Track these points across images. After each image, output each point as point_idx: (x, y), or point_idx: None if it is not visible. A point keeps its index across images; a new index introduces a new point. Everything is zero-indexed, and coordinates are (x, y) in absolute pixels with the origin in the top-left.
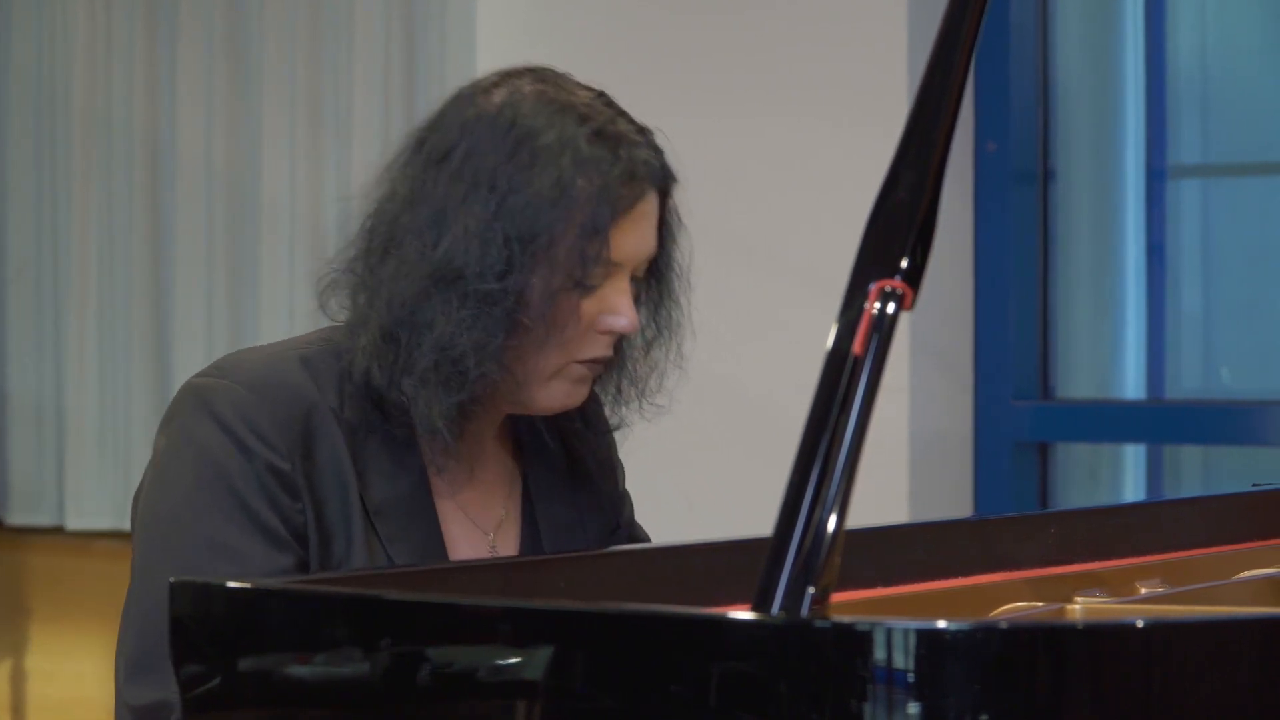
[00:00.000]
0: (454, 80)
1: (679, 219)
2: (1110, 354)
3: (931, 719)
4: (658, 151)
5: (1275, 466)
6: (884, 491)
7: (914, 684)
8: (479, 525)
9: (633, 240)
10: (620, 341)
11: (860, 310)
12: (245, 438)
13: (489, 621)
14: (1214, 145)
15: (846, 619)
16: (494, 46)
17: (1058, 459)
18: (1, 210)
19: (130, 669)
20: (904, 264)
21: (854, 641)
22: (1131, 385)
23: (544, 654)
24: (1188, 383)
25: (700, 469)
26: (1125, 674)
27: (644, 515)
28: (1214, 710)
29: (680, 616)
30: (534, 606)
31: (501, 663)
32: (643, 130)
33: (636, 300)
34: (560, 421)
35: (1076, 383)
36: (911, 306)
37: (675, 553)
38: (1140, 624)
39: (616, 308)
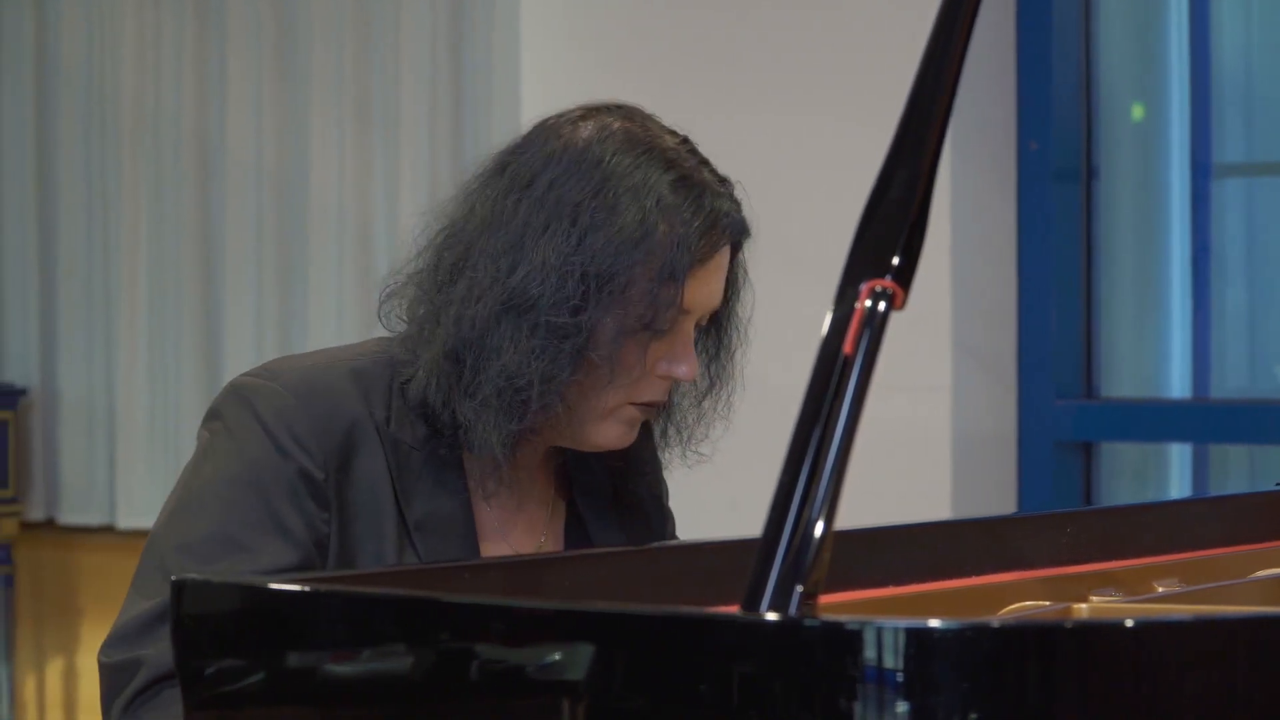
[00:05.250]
0: (499, 82)
1: (745, 273)
2: (1154, 353)
3: (921, 718)
4: (737, 204)
5: None
6: (927, 491)
7: (903, 683)
8: (517, 550)
9: (704, 291)
10: (673, 387)
11: (851, 309)
12: (283, 440)
13: (486, 621)
14: (1258, 143)
15: (835, 618)
16: (538, 48)
17: (1102, 458)
18: (52, 211)
19: (112, 633)
20: (896, 263)
21: (843, 640)
22: (1176, 384)
23: (539, 654)
24: (1233, 381)
25: (743, 469)
26: (1115, 673)
27: (687, 515)
28: (1205, 709)
29: (669, 616)
30: (526, 606)
31: (497, 663)
32: (724, 181)
33: (695, 349)
34: (608, 458)
35: (1120, 382)
36: (903, 306)
37: (676, 552)
38: (1130, 623)
39: (679, 355)
